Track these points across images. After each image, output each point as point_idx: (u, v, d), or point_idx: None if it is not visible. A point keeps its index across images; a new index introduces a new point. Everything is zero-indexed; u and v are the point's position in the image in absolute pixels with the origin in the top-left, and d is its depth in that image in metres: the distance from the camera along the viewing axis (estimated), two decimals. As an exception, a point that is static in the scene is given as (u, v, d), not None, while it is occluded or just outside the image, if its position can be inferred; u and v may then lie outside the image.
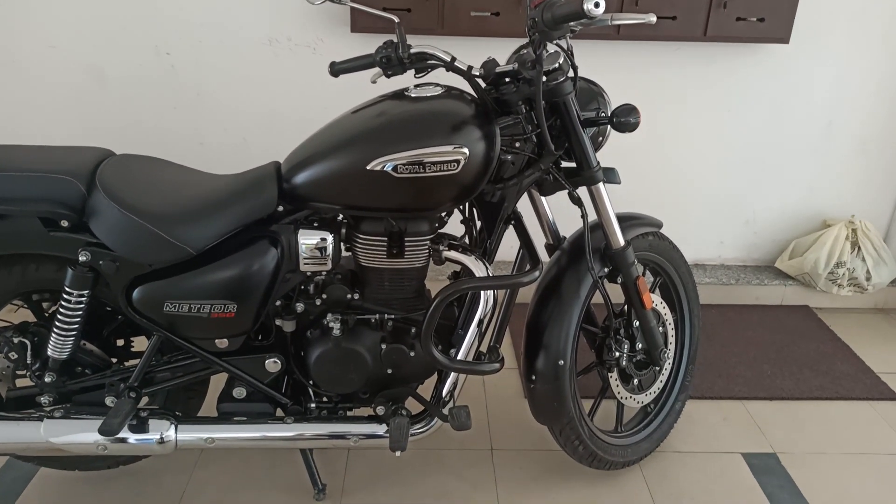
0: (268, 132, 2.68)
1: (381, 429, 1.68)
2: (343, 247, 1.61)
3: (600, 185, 1.64)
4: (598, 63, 2.58)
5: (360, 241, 1.57)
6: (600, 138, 1.68)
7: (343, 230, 1.59)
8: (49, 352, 1.57)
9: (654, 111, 2.70)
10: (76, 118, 2.63)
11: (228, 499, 1.83)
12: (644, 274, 1.83)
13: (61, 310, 1.53)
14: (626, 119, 1.55)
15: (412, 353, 1.64)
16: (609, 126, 1.65)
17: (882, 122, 2.81)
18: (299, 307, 1.63)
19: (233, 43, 2.56)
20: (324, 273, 1.63)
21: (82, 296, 1.52)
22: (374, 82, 1.70)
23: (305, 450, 1.83)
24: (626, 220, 1.79)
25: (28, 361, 1.62)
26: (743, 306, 2.90)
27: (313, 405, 1.72)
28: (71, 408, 1.63)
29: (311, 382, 1.70)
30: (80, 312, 1.54)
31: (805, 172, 2.89)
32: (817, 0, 2.59)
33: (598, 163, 1.62)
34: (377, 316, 1.65)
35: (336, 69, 1.65)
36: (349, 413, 1.75)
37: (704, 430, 2.15)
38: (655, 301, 1.87)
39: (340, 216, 1.60)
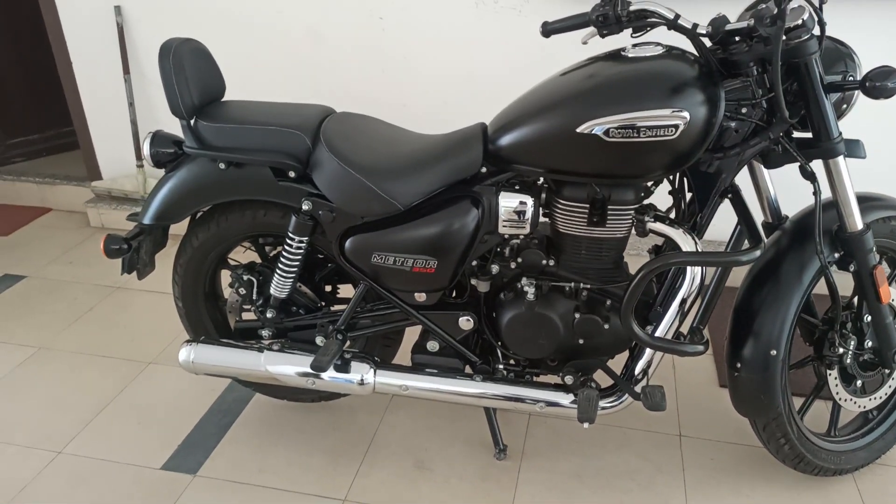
0: (468, 95, 2.71)
1: (566, 398, 1.66)
2: (542, 212, 1.59)
3: (840, 158, 1.45)
4: (838, 25, 2.27)
5: (560, 206, 1.54)
6: (844, 106, 1.48)
7: (543, 195, 1.57)
8: (271, 290, 1.74)
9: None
10: (296, 77, 2.85)
11: (415, 444, 1.92)
12: (880, 263, 1.60)
13: (284, 253, 1.68)
14: (882, 83, 1.33)
15: (606, 326, 1.59)
16: (856, 93, 1.45)
17: None
18: (494, 269, 1.64)
19: (440, 5, 2.60)
20: (521, 237, 1.63)
21: (302, 241, 1.65)
22: (584, 43, 1.62)
23: (489, 409, 1.86)
24: (865, 201, 1.57)
25: (253, 297, 1.81)
26: None
27: (501, 366, 1.74)
28: (287, 343, 1.80)
29: (500, 344, 1.71)
30: (299, 256, 1.67)
31: None
32: None
33: (840, 133, 1.43)
34: (572, 284, 1.61)
35: (548, 29, 1.60)
36: (536, 379, 1.75)
37: (939, 449, 1.87)
38: (893, 295, 1.63)
39: (542, 180, 1.58)
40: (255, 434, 1.97)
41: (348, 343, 1.78)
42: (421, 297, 1.66)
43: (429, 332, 1.74)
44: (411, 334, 1.83)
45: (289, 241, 1.66)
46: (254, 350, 1.77)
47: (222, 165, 1.62)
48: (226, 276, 1.87)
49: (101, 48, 2.98)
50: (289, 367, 1.73)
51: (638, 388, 1.61)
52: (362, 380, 1.71)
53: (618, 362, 1.67)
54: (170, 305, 2.58)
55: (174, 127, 1.70)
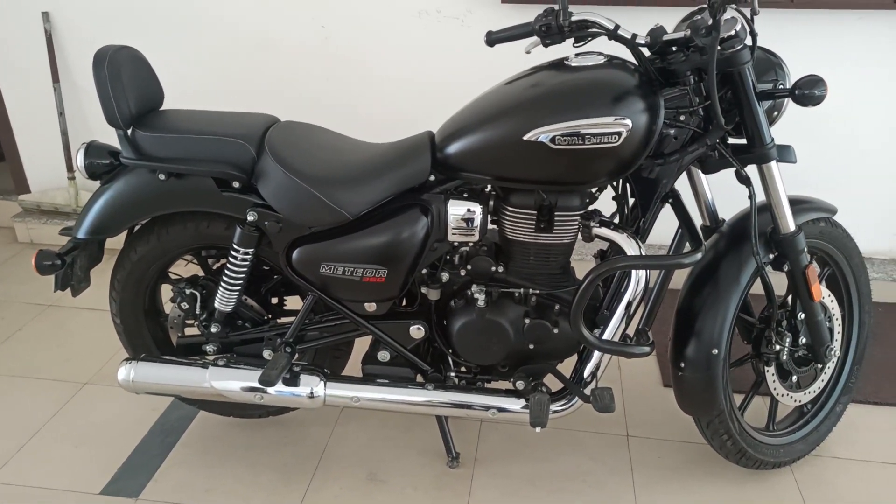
0: (416, 103, 2.71)
1: (518, 404, 1.67)
2: (490, 219, 1.60)
3: (773, 163, 1.51)
4: (768, 36, 2.37)
5: (508, 213, 1.55)
6: (775, 113, 1.55)
7: (491, 202, 1.58)
8: (216, 304, 1.69)
9: (829, 87, 2.45)
10: (239, 86, 2.79)
11: (367, 455, 1.90)
12: (811, 263, 1.67)
13: (228, 265, 1.63)
14: (809, 91, 1.41)
15: (556, 330, 1.62)
16: (786, 100, 1.52)
17: None
18: (444, 276, 1.64)
19: (384, 15, 2.60)
20: (470, 244, 1.63)
21: (248, 253, 1.61)
22: (528, 53, 1.64)
23: (441, 417, 1.86)
24: (796, 204, 1.64)
25: (197, 312, 1.76)
26: (917, 306, 2.61)
27: (453, 374, 1.74)
28: (232, 357, 1.75)
29: (451, 352, 1.71)
30: (244, 269, 1.64)
31: None
32: None
33: (773, 139, 1.50)
34: (521, 290, 1.63)
35: (492, 38, 1.61)
36: (487, 385, 1.76)
37: (868, 438, 1.96)
38: (823, 293, 1.72)
39: (490, 188, 1.59)
40: (201, 453, 1.91)
41: (297, 356, 1.75)
42: (371, 306, 1.65)
43: (379, 341, 1.72)
44: (362, 344, 1.81)
45: (233, 253, 1.62)
46: (198, 366, 1.71)
47: (162, 176, 1.57)
48: (167, 291, 1.81)
49: (29, 56, 2.85)
50: (235, 382, 1.68)
51: (587, 391, 1.63)
52: (312, 393, 1.68)
53: (567, 366, 1.69)
54: (107, 323, 2.45)
55: (109, 137, 1.64)
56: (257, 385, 1.65)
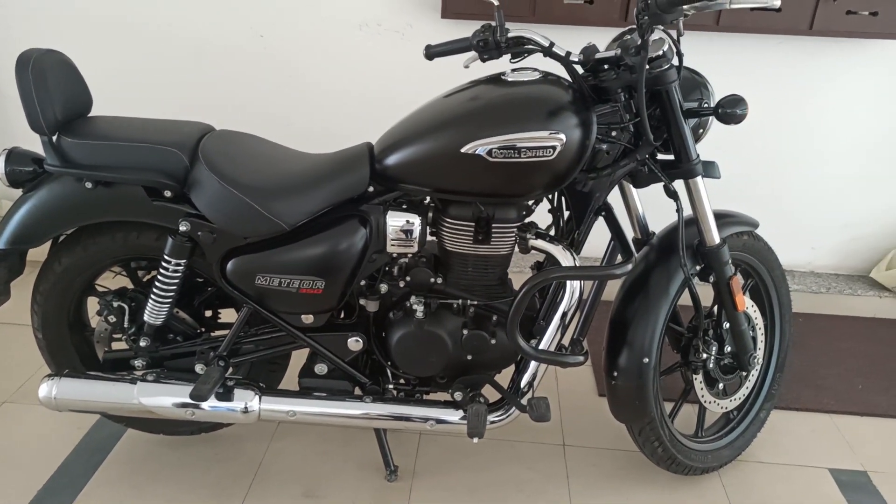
0: (353, 116, 2.71)
1: (456, 415, 1.68)
2: (429, 230, 1.61)
3: (699, 178, 1.58)
4: (693, 57, 2.48)
5: (446, 225, 1.57)
6: (700, 130, 1.62)
7: (430, 214, 1.59)
8: (145, 317, 1.63)
9: (752, 107, 2.55)
10: (175, 93, 2.72)
11: (304, 470, 1.86)
12: (735, 274, 1.75)
13: (159, 277, 1.59)
14: (732, 110, 1.48)
15: (493, 341, 1.63)
16: (710, 118, 1.59)
17: None
18: (383, 288, 1.64)
19: (324, 26, 2.59)
20: (409, 256, 1.64)
21: (179, 264, 1.57)
22: (466, 67, 1.67)
23: (380, 430, 1.85)
24: (721, 218, 1.71)
25: (125, 325, 1.70)
26: (833, 316, 2.75)
27: (391, 386, 1.73)
28: (162, 372, 1.70)
29: (390, 363, 1.71)
30: (176, 280, 1.59)
31: (911, 177, 2.71)
32: (938, -7, 2.42)
33: (698, 155, 1.56)
34: (459, 301, 1.64)
35: (431, 52, 1.64)
36: (426, 397, 1.76)
37: (790, 442, 2.05)
38: (747, 303, 1.79)
39: (429, 199, 1.60)
40: (130, 472, 1.83)
41: (231, 370, 1.71)
42: (308, 318, 1.63)
43: (317, 354, 1.70)
44: (300, 357, 1.78)
45: (165, 265, 1.57)
46: (125, 382, 1.65)
47: (89, 185, 1.51)
48: (93, 304, 1.74)
49: (-55, 57, 2.71)
50: (166, 398, 1.63)
51: (524, 401, 1.65)
52: (246, 407, 1.64)
53: (505, 376, 1.71)
54: (28, 338, 2.35)
55: (33, 144, 1.57)
56: (188, 401, 1.60)
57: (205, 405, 1.63)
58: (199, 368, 1.68)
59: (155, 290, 1.60)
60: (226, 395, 1.64)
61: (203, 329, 1.79)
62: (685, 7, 1.29)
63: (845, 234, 2.82)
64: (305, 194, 1.52)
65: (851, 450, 2.04)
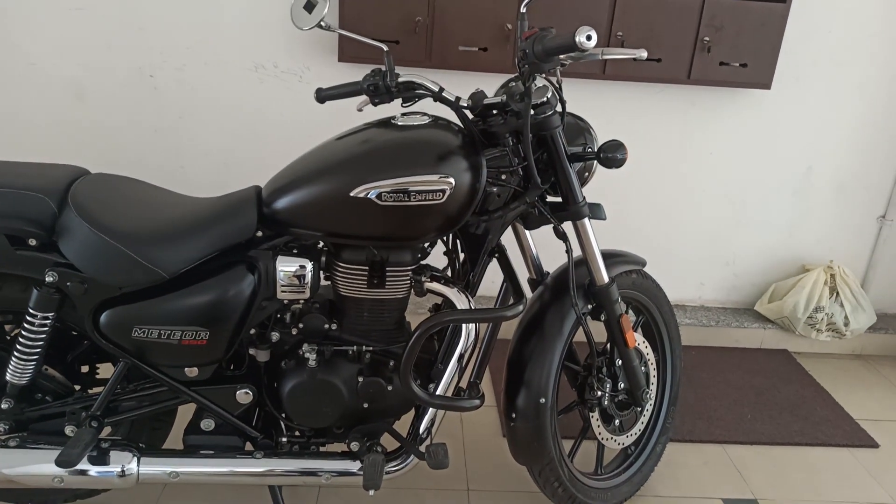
0: (250, 159, 2.64)
1: (354, 465, 1.62)
2: (322, 275, 1.57)
3: (586, 220, 1.63)
4: (582, 103, 2.60)
5: (340, 269, 1.53)
6: (586, 174, 1.67)
7: (323, 258, 1.55)
8: (7, 376, 1.49)
9: (637, 151, 2.72)
10: (56, 138, 2.57)
11: (191, 537, 1.74)
12: (627, 312, 1.80)
13: (24, 332, 1.46)
14: (612, 155, 1.54)
15: (390, 388, 1.59)
16: (595, 162, 1.64)
17: (858, 167, 2.86)
18: (274, 336, 1.58)
19: (218, 68, 2.54)
20: (301, 301, 1.58)
21: (47, 318, 1.45)
22: (360, 110, 1.68)
23: (274, 487, 1.75)
24: (610, 257, 1.77)
25: (-16, 386, 1.54)
26: (723, 348, 2.89)
27: (285, 439, 1.65)
28: (27, 437, 1.54)
29: (283, 415, 1.63)
30: (43, 335, 1.47)
31: (785, 216, 2.92)
32: (798, 48, 2.65)
33: (584, 198, 1.61)
34: (355, 347, 1.60)
35: (322, 95, 1.63)
36: (322, 448, 1.68)
37: (685, 474, 2.11)
38: (638, 340, 1.85)
39: (321, 244, 1.57)
40: (-12, 551, 1.65)
41: (108, 430, 1.58)
42: (192, 371, 1.53)
43: (203, 409, 1.60)
44: (187, 411, 1.67)
45: (30, 318, 1.44)
46: (-17, 449, 1.49)
47: (-58, 233, 1.38)
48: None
49: None
50: (30, 466, 1.48)
51: (423, 448, 1.61)
52: (123, 471, 1.52)
53: (405, 424, 1.67)
54: None
55: None
56: (56, 468, 1.46)
57: (75, 471, 1.49)
58: (69, 431, 1.55)
59: (19, 346, 1.47)
60: (100, 459, 1.52)
61: (79, 387, 1.65)
62: (561, 57, 1.34)
63: (728, 271, 2.99)
64: (187, 240, 1.44)
65: (742, 479, 2.11)
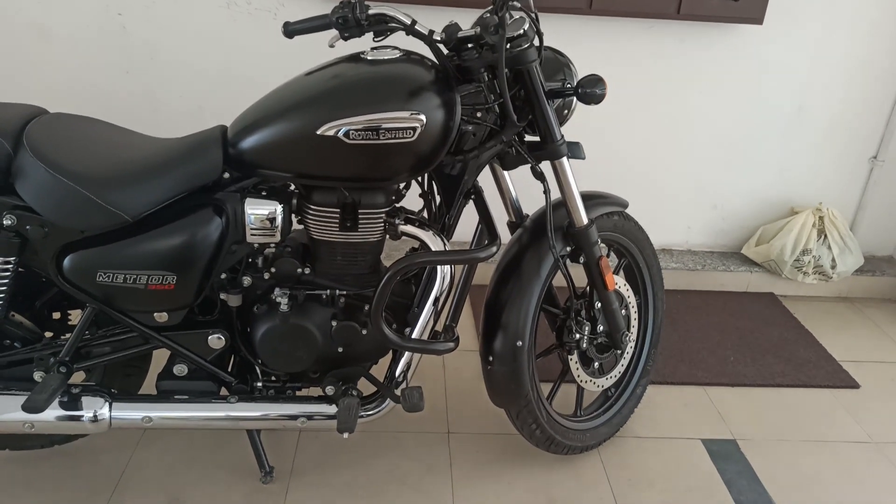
0: (224, 99, 2.56)
1: (330, 409, 1.61)
2: (294, 218, 1.53)
3: (564, 159, 1.58)
4: (567, 38, 2.51)
5: (311, 212, 1.49)
6: (566, 111, 1.62)
7: (294, 200, 1.50)
8: (-29, 323, 1.47)
9: (623, 89, 2.63)
10: (21, 80, 2.48)
11: (170, 479, 1.74)
12: (608, 255, 1.77)
13: (-15, 278, 1.42)
14: (591, 90, 1.48)
15: (364, 332, 1.57)
16: (575, 99, 1.58)
17: (851, 108, 2.79)
18: (246, 281, 1.54)
19: (188, 5, 2.43)
20: (273, 245, 1.55)
21: (8, 262, 1.41)
22: (331, 46, 1.59)
23: (252, 431, 1.75)
24: (590, 199, 1.73)
25: (-50, 333, 1.52)
26: (708, 292, 2.88)
27: (260, 384, 1.64)
28: (-4, 383, 1.53)
29: (257, 360, 1.62)
30: (6, 280, 1.43)
31: (774, 157, 2.86)
32: (792, -18, 2.55)
33: (563, 137, 1.56)
34: (328, 292, 1.57)
35: (290, 29, 1.55)
36: (298, 393, 1.68)
37: (665, 416, 2.12)
38: (619, 283, 1.82)
39: (291, 185, 1.52)
40: (-34, 496, 1.66)
41: (82, 377, 1.56)
42: (162, 317, 1.50)
43: (176, 354, 1.58)
44: (163, 356, 1.65)
45: (-10, 264, 1.41)
46: (-47, 396, 1.48)
47: None
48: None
49: None
50: (-2, 412, 1.47)
51: (398, 391, 1.60)
52: (95, 416, 1.51)
53: (383, 367, 1.66)
54: None
55: None
56: (23, 413, 1.44)
57: (45, 416, 1.48)
58: (37, 376, 1.53)
59: (-19, 292, 1.43)
60: (72, 404, 1.50)
61: (51, 333, 1.63)
62: (535, -18, 1.27)
63: (715, 215, 2.95)
64: (149, 182, 1.39)
65: (722, 419, 2.13)
